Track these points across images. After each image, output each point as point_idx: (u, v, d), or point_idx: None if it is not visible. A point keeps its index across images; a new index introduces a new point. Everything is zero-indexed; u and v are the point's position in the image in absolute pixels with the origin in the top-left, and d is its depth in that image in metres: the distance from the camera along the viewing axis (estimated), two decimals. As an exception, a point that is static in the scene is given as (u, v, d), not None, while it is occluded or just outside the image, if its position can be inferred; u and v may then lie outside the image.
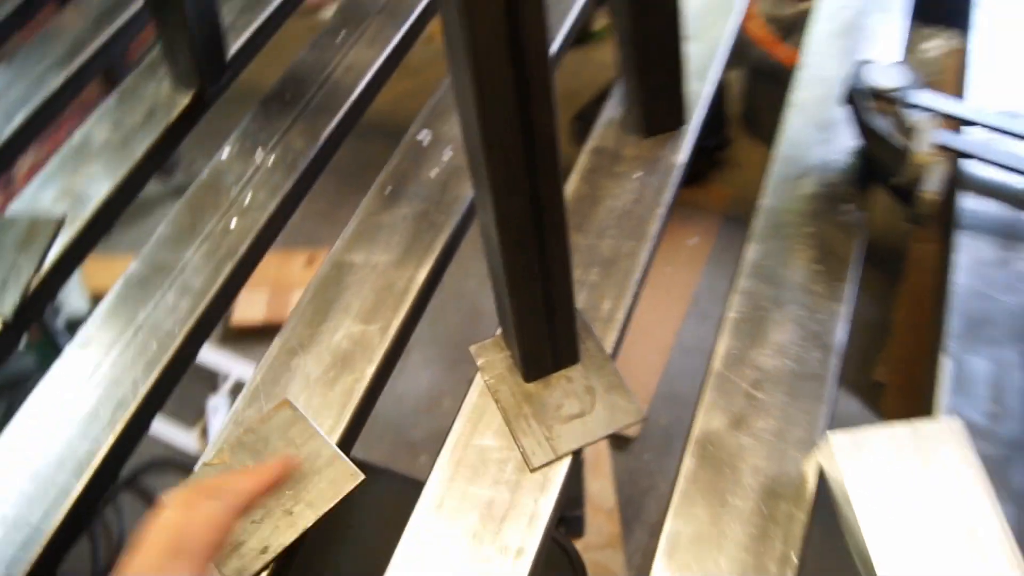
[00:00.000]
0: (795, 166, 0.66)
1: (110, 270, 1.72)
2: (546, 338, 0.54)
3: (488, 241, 0.50)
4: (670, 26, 0.62)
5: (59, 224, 0.67)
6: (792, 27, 1.59)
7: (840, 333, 0.57)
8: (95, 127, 0.74)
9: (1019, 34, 0.73)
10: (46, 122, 0.76)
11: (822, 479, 0.51)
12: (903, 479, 0.48)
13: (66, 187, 0.70)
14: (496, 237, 0.47)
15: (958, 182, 0.63)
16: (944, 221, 0.63)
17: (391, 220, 0.65)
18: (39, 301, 0.64)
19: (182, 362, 0.60)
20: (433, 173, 0.67)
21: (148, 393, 0.58)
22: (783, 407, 0.53)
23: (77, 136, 0.73)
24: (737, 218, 1.82)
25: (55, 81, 0.78)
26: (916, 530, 0.47)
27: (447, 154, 0.68)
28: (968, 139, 0.63)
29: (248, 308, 1.78)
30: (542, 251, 0.49)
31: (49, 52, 0.80)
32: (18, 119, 0.75)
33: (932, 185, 0.59)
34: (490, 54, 0.40)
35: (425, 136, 0.70)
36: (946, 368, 0.55)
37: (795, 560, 0.48)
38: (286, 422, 0.55)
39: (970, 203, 0.62)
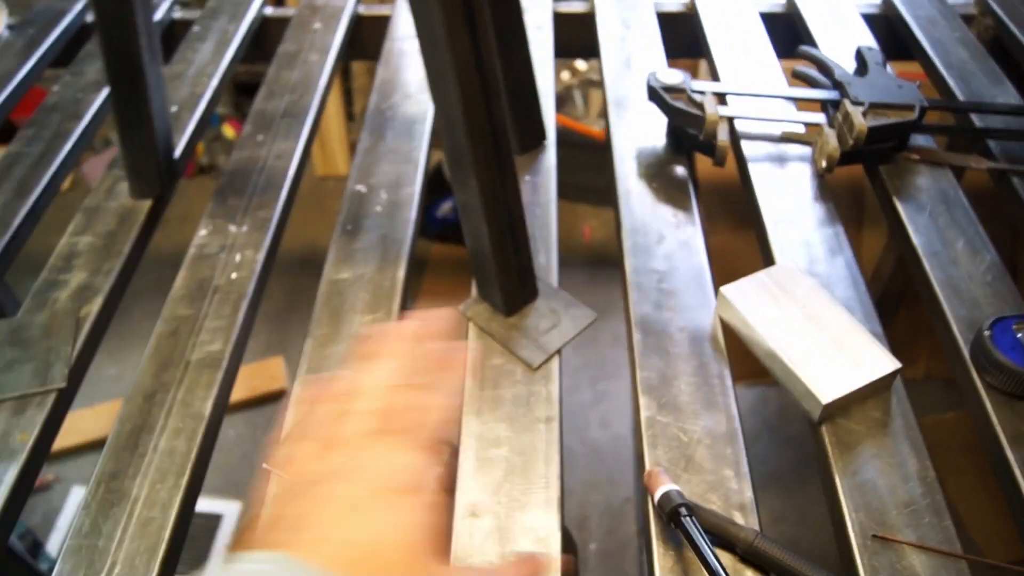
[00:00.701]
0: (634, 153, 0.93)
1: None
2: (517, 279, 0.75)
3: (472, 216, 0.71)
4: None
5: (76, 312, 0.80)
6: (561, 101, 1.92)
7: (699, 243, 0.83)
8: (69, 241, 0.87)
9: (738, 55, 1.07)
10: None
11: (724, 326, 0.76)
12: (778, 300, 0.74)
13: (74, 285, 0.82)
14: (480, 207, 0.69)
15: (735, 133, 0.93)
16: (738, 159, 0.92)
17: (361, 246, 0.84)
18: (84, 365, 0.77)
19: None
20: (379, 208, 0.87)
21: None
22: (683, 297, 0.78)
23: (63, 245, 0.86)
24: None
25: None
26: (801, 328, 0.72)
27: (383, 195, 0.89)
28: (732, 106, 0.94)
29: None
30: (509, 213, 0.71)
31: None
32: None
33: (723, 136, 0.87)
34: (467, 72, 0.63)
35: (362, 188, 0.90)
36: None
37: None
38: (341, 390, 0.72)
39: (748, 146, 0.92)
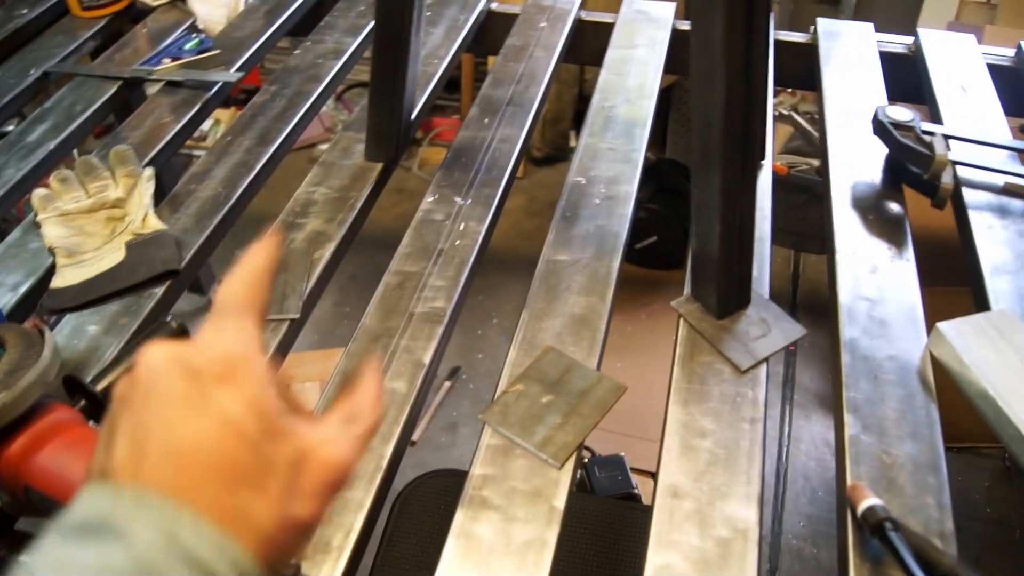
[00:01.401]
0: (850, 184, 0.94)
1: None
2: (736, 283, 0.77)
3: (706, 215, 0.74)
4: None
5: (311, 253, 0.86)
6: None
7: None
8: (307, 190, 0.94)
9: (964, 103, 1.07)
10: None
11: (935, 363, 0.76)
12: (995, 343, 0.74)
13: (310, 229, 0.89)
14: (717, 206, 0.71)
15: (958, 178, 0.93)
16: (956, 204, 0.92)
17: (579, 232, 0.88)
18: (313, 301, 0.83)
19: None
20: (597, 201, 0.91)
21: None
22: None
23: (300, 193, 0.93)
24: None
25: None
26: (1018, 372, 0.71)
27: (602, 189, 0.93)
28: (958, 151, 0.94)
29: (304, 398, 1.92)
30: (742, 216, 0.73)
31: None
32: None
33: (947, 179, 0.88)
34: (736, 73, 0.65)
35: (581, 179, 0.94)
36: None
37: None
38: (553, 360, 0.75)
39: (969, 193, 0.92)
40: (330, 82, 1.14)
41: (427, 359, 0.76)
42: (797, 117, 1.96)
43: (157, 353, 0.34)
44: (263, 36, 1.22)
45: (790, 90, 2.14)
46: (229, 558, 0.31)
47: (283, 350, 0.79)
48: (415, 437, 1.95)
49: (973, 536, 1.68)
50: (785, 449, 1.94)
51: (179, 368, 0.33)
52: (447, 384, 2.08)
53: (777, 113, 1.96)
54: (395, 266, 0.85)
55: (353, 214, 0.91)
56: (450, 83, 1.16)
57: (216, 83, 1.12)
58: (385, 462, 0.68)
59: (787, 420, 1.98)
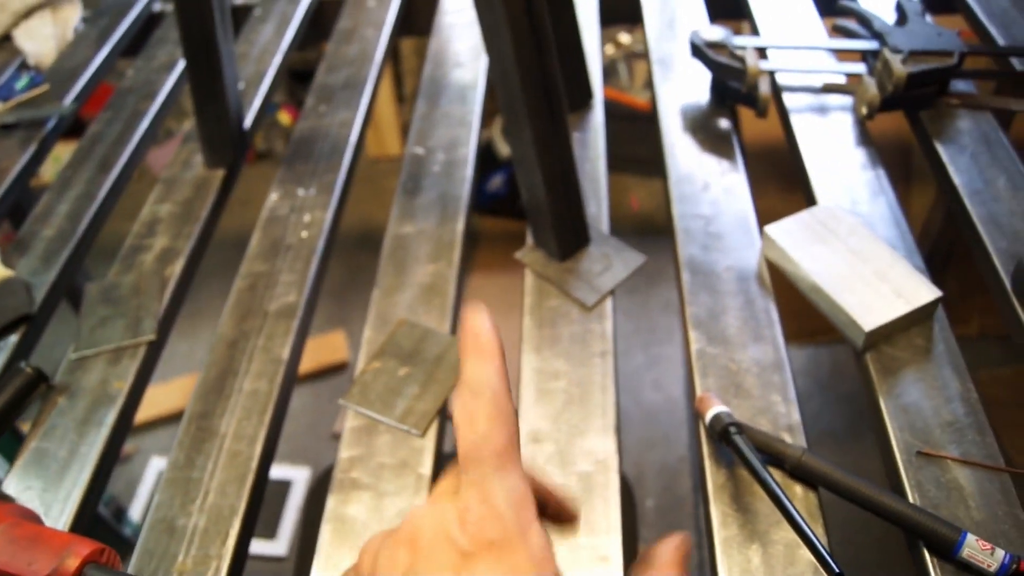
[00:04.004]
0: (678, 109, 0.97)
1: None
2: (570, 226, 0.79)
3: (526, 166, 0.75)
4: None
5: (161, 272, 0.86)
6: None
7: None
8: (151, 209, 0.94)
9: (779, 13, 1.10)
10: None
11: (769, 266, 0.79)
12: (821, 237, 0.77)
13: (158, 248, 0.89)
14: (535, 156, 0.73)
15: (776, 86, 0.96)
16: (780, 112, 0.95)
17: (421, 202, 0.89)
18: (171, 320, 0.83)
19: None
20: (436, 168, 0.92)
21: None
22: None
23: (146, 213, 0.93)
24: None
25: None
26: (844, 262, 0.75)
27: (441, 156, 0.94)
28: (773, 59, 0.97)
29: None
30: (561, 162, 0.75)
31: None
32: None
33: (764, 88, 0.91)
34: (519, 23, 0.67)
35: (420, 150, 0.95)
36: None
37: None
38: (407, 332, 0.77)
39: (789, 97, 0.95)
40: (167, 98, 1.12)
41: (285, 355, 0.77)
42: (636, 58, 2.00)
43: (427, 521, 0.32)
44: (95, 62, 1.20)
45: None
46: None
47: (144, 375, 0.79)
48: (338, 428, 1.95)
49: (846, 420, 1.75)
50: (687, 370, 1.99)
51: (448, 546, 0.31)
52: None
53: (632, 52, 1.99)
54: (245, 268, 0.85)
55: (200, 226, 0.91)
56: (306, 75, 1.15)
57: (50, 117, 1.10)
58: (255, 463, 0.69)
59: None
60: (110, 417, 0.74)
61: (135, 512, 1.80)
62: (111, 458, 0.73)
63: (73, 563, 0.55)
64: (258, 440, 0.71)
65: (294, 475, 1.78)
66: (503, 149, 2.13)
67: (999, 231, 0.78)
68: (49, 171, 1.92)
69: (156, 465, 1.91)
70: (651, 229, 2.04)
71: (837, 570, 0.55)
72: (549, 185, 0.75)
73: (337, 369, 2.03)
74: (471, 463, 0.33)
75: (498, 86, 0.72)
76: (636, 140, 1.54)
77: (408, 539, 0.33)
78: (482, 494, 0.32)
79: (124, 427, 0.76)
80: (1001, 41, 1.00)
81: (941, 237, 1.57)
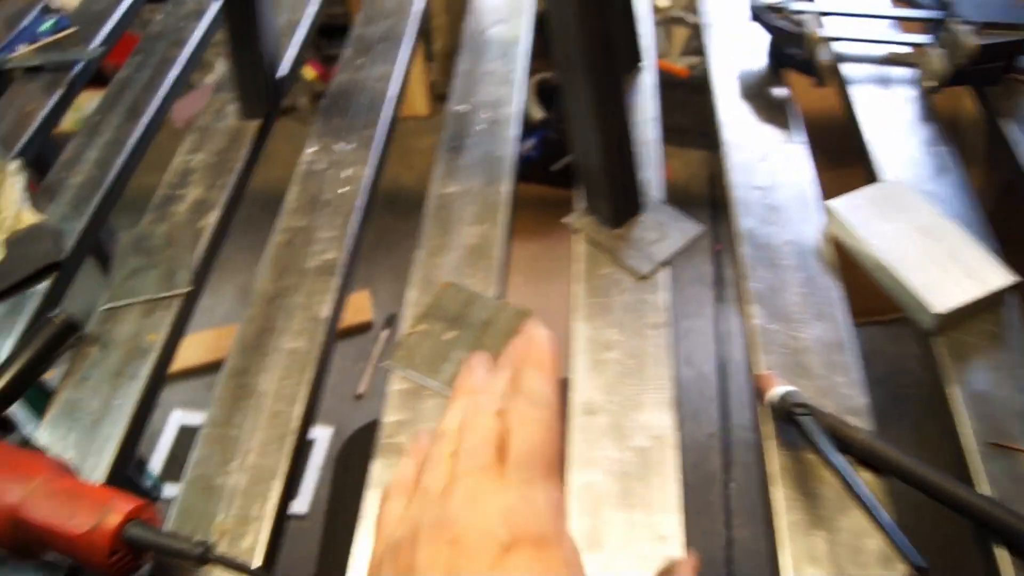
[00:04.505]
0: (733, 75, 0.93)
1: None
2: (624, 192, 0.76)
3: (582, 127, 0.72)
4: None
5: (195, 223, 0.83)
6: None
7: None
8: (184, 159, 0.91)
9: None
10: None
11: (832, 242, 0.76)
12: (887, 214, 0.74)
13: (191, 199, 0.86)
14: (593, 116, 0.70)
15: (837, 54, 0.93)
16: (840, 83, 0.92)
17: (465, 162, 0.86)
18: (206, 272, 0.81)
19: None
20: (481, 127, 0.89)
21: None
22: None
23: (178, 163, 0.90)
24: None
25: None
26: (912, 240, 0.72)
27: (484, 114, 0.91)
28: (834, 26, 0.93)
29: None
30: (618, 124, 0.72)
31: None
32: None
33: (825, 56, 0.87)
34: None
35: (463, 108, 0.92)
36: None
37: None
38: (453, 295, 0.74)
39: (850, 67, 0.92)
40: (197, 45, 1.08)
41: (325, 313, 0.74)
42: (687, 17, 1.95)
43: (469, 519, 0.33)
44: (122, 6, 1.16)
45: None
46: None
47: (179, 327, 0.76)
48: (361, 390, 1.94)
49: (910, 403, 1.73)
50: (725, 347, 1.97)
51: (490, 541, 0.32)
52: (385, 333, 2.07)
53: (670, 16, 1.95)
54: (282, 223, 0.82)
55: (234, 177, 0.88)
56: (338, 30, 1.11)
57: (77, 62, 1.06)
58: (296, 424, 0.67)
59: (723, 318, 2.01)
60: (144, 370, 0.71)
61: (155, 464, 1.80)
62: (145, 412, 0.71)
63: (115, 520, 0.53)
64: (298, 400, 0.68)
65: (317, 434, 1.76)
66: (535, 112, 2.09)
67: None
68: (69, 121, 1.89)
69: (177, 418, 1.90)
70: (685, 200, 1.99)
71: (922, 563, 0.52)
72: (606, 148, 0.72)
73: (361, 330, 2.00)
74: (522, 467, 0.35)
75: (557, 42, 0.69)
76: (671, 108, 1.50)
77: (450, 537, 0.33)
78: (527, 496, 0.34)
79: (158, 380, 0.73)
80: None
81: (992, 217, 1.53)
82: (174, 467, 1.86)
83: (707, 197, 2.07)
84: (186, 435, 1.91)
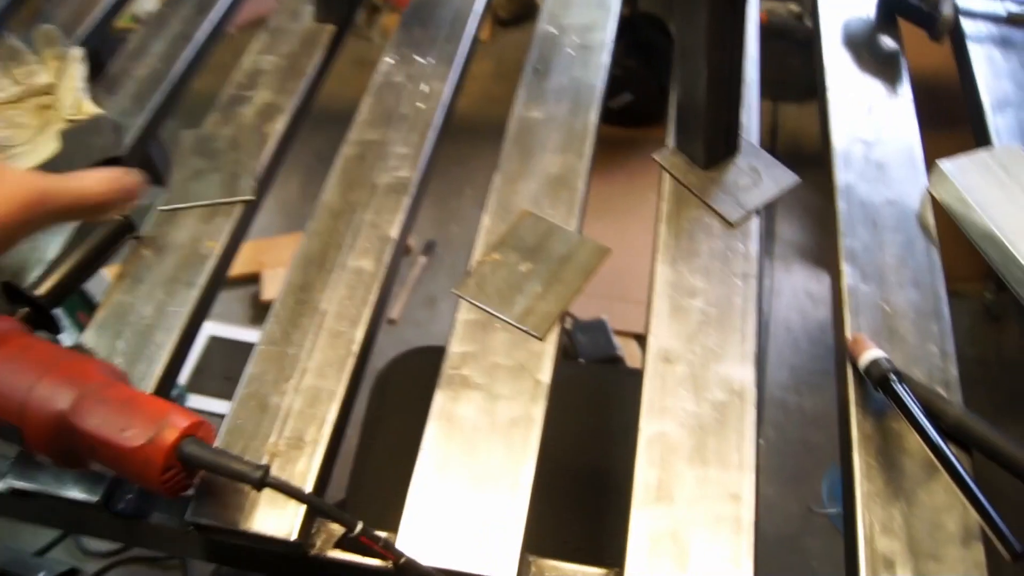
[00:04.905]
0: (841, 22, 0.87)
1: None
2: (723, 131, 0.71)
3: (691, 58, 0.67)
4: None
5: (261, 127, 0.80)
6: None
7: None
8: (253, 60, 0.87)
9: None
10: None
11: (936, 205, 0.71)
12: (1000, 181, 0.69)
13: (259, 102, 0.82)
14: (704, 48, 0.65)
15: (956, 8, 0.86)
16: (955, 36, 0.85)
17: (552, 87, 0.81)
18: (270, 180, 0.78)
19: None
20: (571, 51, 0.84)
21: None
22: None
23: (247, 64, 0.86)
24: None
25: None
26: None
27: (575, 38, 0.86)
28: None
29: (275, 285, 1.86)
30: (731, 59, 0.67)
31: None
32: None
33: (947, 8, 0.81)
34: None
35: (552, 29, 0.87)
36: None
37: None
38: (531, 225, 0.70)
39: (968, 24, 0.85)
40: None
41: (394, 233, 0.71)
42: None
43: None
44: None
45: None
46: None
47: (238, 236, 0.73)
48: (395, 315, 1.92)
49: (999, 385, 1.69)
50: (767, 303, 1.93)
51: None
52: (423, 259, 2.04)
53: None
54: (354, 135, 0.78)
55: (306, 82, 0.84)
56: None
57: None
58: (357, 347, 0.64)
59: (768, 273, 1.97)
60: (201, 279, 0.68)
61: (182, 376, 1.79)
62: (198, 322, 0.68)
63: (171, 435, 0.50)
64: (360, 323, 0.65)
65: None
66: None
67: None
68: (124, 17, 1.85)
69: (208, 329, 1.88)
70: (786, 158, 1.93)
71: (1019, 548, 0.49)
72: (714, 79, 0.67)
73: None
74: None
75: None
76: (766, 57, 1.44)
77: None
78: None
79: (214, 290, 0.70)
80: None
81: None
82: (200, 379, 1.85)
83: (767, 147, 2.01)
84: (215, 345, 1.90)
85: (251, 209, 0.75)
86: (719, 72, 0.66)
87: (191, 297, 0.67)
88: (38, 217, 0.55)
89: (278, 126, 0.80)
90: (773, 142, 2.09)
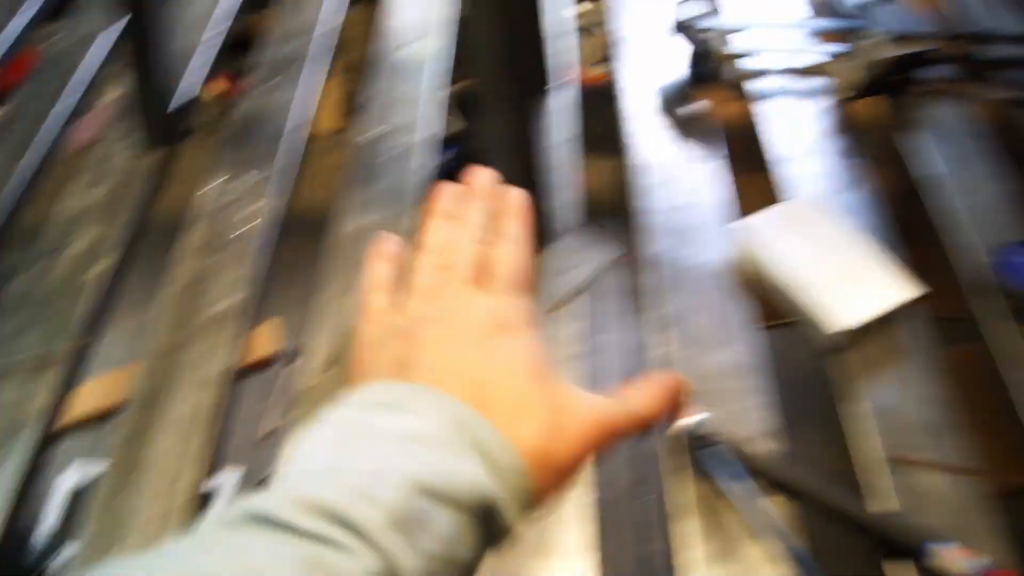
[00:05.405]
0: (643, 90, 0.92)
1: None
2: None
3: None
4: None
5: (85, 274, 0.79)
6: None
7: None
8: (80, 196, 0.86)
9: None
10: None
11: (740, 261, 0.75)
12: (792, 234, 0.73)
13: (85, 243, 0.82)
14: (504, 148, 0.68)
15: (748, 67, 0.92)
16: (753, 95, 0.91)
17: (373, 195, 0.84)
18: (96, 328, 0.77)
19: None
20: (386, 158, 0.87)
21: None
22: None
23: (68, 204, 0.85)
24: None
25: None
26: (816, 259, 0.71)
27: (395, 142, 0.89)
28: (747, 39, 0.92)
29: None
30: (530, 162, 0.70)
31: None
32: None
33: (731, 72, 0.87)
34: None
35: (375, 132, 0.90)
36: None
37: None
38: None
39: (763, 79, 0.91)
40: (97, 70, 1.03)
41: (220, 368, 0.70)
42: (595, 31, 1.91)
43: (468, 311, 0.42)
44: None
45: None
46: (508, 455, 0.35)
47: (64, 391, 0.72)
48: (261, 433, 1.73)
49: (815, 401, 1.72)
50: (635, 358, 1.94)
51: (488, 328, 0.42)
52: (286, 371, 1.80)
53: (581, 27, 1.91)
54: (181, 266, 0.78)
55: (131, 215, 0.83)
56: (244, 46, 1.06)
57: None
58: (188, 496, 0.64)
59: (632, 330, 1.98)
60: (23, 443, 0.66)
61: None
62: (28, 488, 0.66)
63: None
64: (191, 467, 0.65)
65: (223, 479, 1.56)
66: (455, 124, 2.05)
67: (968, 224, 0.77)
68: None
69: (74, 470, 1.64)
70: (596, 210, 1.93)
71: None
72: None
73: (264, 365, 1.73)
74: (506, 285, 0.44)
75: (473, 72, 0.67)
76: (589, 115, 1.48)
77: (448, 322, 0.42)
78: (510, 302, 0.43)
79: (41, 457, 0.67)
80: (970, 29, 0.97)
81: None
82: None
83: (621, 204, 2.03)
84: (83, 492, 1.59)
85: (78, 360, 0.73)
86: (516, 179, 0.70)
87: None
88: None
89: (103, 267, 0.79)
90: (625, 198, 2.12)
